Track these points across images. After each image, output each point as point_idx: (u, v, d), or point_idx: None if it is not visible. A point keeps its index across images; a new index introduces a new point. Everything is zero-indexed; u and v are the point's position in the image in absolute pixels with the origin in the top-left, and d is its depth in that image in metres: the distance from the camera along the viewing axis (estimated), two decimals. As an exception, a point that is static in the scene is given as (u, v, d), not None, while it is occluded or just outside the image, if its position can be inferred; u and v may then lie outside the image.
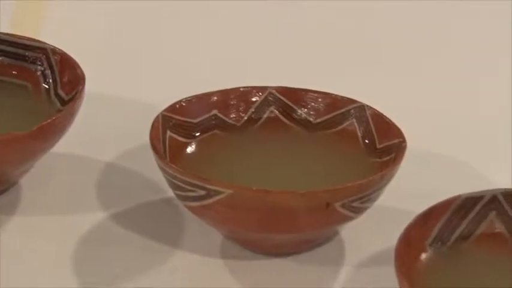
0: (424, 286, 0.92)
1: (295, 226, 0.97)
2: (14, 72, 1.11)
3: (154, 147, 0.99)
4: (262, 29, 1.38)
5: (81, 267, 1.00)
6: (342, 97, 1.07)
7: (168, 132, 1.03)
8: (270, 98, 1.08)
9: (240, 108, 1.07)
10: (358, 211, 0.97)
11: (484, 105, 1.28)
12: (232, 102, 1.07)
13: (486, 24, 1.45)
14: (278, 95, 1.07)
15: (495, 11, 1.46)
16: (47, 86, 1.10)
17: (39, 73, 1.10)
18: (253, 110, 1.07)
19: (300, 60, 1.32)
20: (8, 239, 1.02)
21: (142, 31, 1.36)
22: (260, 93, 1.07)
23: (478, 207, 0.96)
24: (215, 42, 1.34)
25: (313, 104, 1.07)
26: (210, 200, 0.94)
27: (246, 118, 1.07)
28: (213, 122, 1.06)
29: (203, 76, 1.19)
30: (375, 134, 1.04)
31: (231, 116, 1.07)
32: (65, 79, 1.08)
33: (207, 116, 1.06)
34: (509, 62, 1.36)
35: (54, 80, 1.09)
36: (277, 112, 1.08)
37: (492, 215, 0.97)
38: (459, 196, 0.96)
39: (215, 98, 1.06)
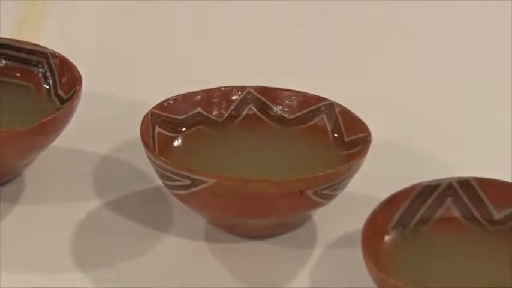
0: (387, 266, 0.92)
1: (271, 212, 0.98)
2: (17, 74, 1.11)
3: (144, 141, 1.00)
4: (243, 33, 1.38)
5: (78, 250, 1.01)
6: (313, 95, 1.07)
7: (157, 128, 1.03)
8: (249, 97, 1.08)
9: (222, 106, 1.08)
10: (329, 198, 0.98)
11: (446, 99, 1.28)
12: (214, 101, 1.08)
13: (443, 20, 1.45)
14: (256, 93, 1.08)
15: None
16: (47, 87, 1.10)
17: (40, 75, 1.10)
18: (233, 108, 1.08)
19: (276, 61, 1.32)
20: (12, 224, 1.03)
21: (134, 35, 1.35)
22: (239, 92, 1.08)
23: (436, 194, 0.98)
24: (200, 45, 1.34)
25: (287, 101, 1.08)
26: (195, 189, 0.95)
27: (227, 115, 1.08)
28: (198, 119, 1.07)
29: (188, 76, 1.19)
30: (343, 129, 1.05)
31: (214, 113, 1.07)
32: (64, 80, 1.08)
33: (192, 113, 1.07)
34: (465, 52, 1.37)
35: (54, 81, 1.09)
36: (255, 109, 1.08)
37: (448, 201, 0.98)
38: (419, 184, 0.97)
39: (199, 96, 1.07)
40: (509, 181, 0.99)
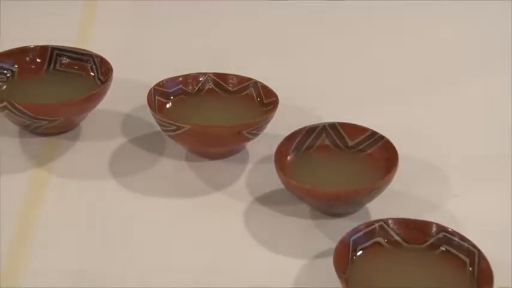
0: (289, 172, 0.93)
1: (223, 143, 1.00)
2: (75, 67, 1.09)
3: (149, 105, 1.01)
4: (217, 39, 1.28)
5: (112, 168, 1.00)
6: (246, 77, 1.06)
7: (156, 97, 1.03)
8: (209, 79, 1.07)
9: (194, 84, 1.07)
10: (255, 135, 1.00)
11: (327, 68, 1.20)
12: (189, 81, 1.06)
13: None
14: (213, 77, 1.07)
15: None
16: (93, 74, 1.08)
17: (89, 67, 1.09)
18: (200, 85, 1.07)
19: (229, 54, 1.23)
20: (72, 155, 1.03)
21: (144, 43, 1.27)
22: (204, 76, 1.07)
23: (316, 132, 0.99)
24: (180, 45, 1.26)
25: (231, 81, 1.07)
26: (179, 131, 0.97)
27: (196, 89, 1.07)
28: (180, 91, 1.06)
29: (174, 66, 1.11)
30: (263, 96, 1.05)
31: (189, 88, 1.06)
32: (102, 70, 1.07)
33: (176, 88, 1.06)
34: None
35: (97, 71, 1.08)
36: (213, 85, 1.07)
37: (323, 136, 0.99)
38: (306, 126, 0.98)
39: (180, 79, 1.06)
40: (357, 124, 0.98)
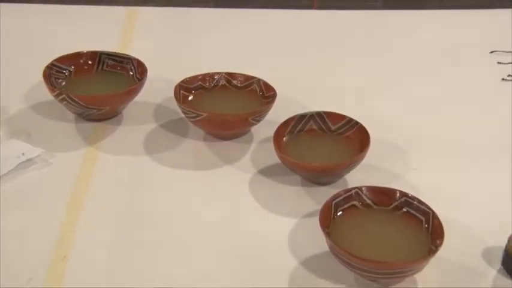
0: (285, 150, 0.93)
1: (234, 127, 0.99)
2: (118, 68, 1.08)
3: (175, 97, 1.00)
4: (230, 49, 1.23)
5: (146, 147, 0.99)
6: (250, 75, 1.04)
7: (181, 91, 1.02)
8: (222, 77, 1.06)
9: (210, 81, 1.05)
10: (258, 121, 0.99)
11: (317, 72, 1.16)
12: (206, 78, 1.05)
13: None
14: (225, 75, 1.06)
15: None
16: (132, 73, 1.07)
17: (128, 68, 1.08)
18: (215, 82, 1.06)
19: (242, 57, 1.19)
20: (115, 137, 1.00)
21: (172, 46, 1.23)
22: (218, 75, 1.06)
23: (305, 119, 0.98)
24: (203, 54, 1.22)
25: (239, 79, 1.05)
26: (199, 118, 0.97)
27: (212, 85, 1.05)
28: (199, 86, 1.05)
29: (195, 67, 1.08)
30: (264, 90, 1.03)
31: (206, 84, 1.05)
32: (139, 70, 1.06)
33: (196, 84, 1.04)
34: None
35: (135, 71, 1.07)
36: (225, 82, 1.06)
37: (312, 121, 0.98)
38: (297, 114, 0.98)
39: (200, 77, 1.05)
40: (338, 112, 0.97)
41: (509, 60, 1.15)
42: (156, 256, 0.83)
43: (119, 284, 0.79)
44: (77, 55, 1.08)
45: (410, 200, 0.84)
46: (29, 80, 1.09)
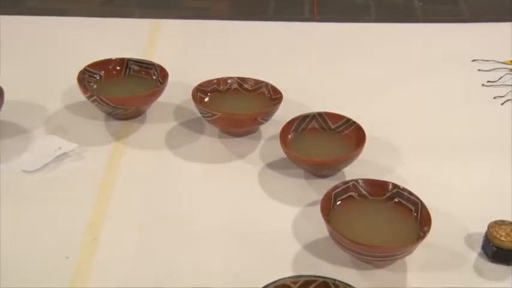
0: (290, 146, 0.92)
1: (245, 125, 0.98)
2: (143, 73, 1.07)
3: (193, 98, 0.99)
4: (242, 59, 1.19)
5: (168, 142, 0.98)
6: (259, 80, 1.03)
7: (198, 93, 1.01)
8: (234, 81, 1.04)
9: (224, 84, 1.04)
10: (266, 120, 0.98)
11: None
12: (221, 82, 1.04)
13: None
14: (237, 79, 1.04)
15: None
16: (155, 77, 1.05)
17: (152, 73, 1.06)
18: (228, 85, 1.04)
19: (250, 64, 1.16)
20: (140, 134, 0.99)
21: (190, 53, 1.20)
22: (231, 79, 1.04)
23: (308, 119, 0.97)
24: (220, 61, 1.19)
25: (249, 83, 1.04)
26: (214, 117, 0.96)
27: (226, 88, 1.04)
28: (214, 89, 1.03)
29: (211, 72, 1.06)
30: (271, 93, 1.02)
31: (221, 87, 1.04)
32: (162, 75, 1.04)
33: (212, 87, 1.03)
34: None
35: (157, 75, 1.05)
36: (237, 86, 1.04)
37: (314, 121, 0.97)
38: (301, 114, 0.96)
39: (215, 81, 1.04)
40: (337, 113, 0.95)
41: (489, 68, 1.15)
42: (176, 236, 0.83)
43: (143, 263, 0.79)
44: (107, 61, 1.07)
45: (402, 191, 0.83)
46: (65, 83, 1.08)
